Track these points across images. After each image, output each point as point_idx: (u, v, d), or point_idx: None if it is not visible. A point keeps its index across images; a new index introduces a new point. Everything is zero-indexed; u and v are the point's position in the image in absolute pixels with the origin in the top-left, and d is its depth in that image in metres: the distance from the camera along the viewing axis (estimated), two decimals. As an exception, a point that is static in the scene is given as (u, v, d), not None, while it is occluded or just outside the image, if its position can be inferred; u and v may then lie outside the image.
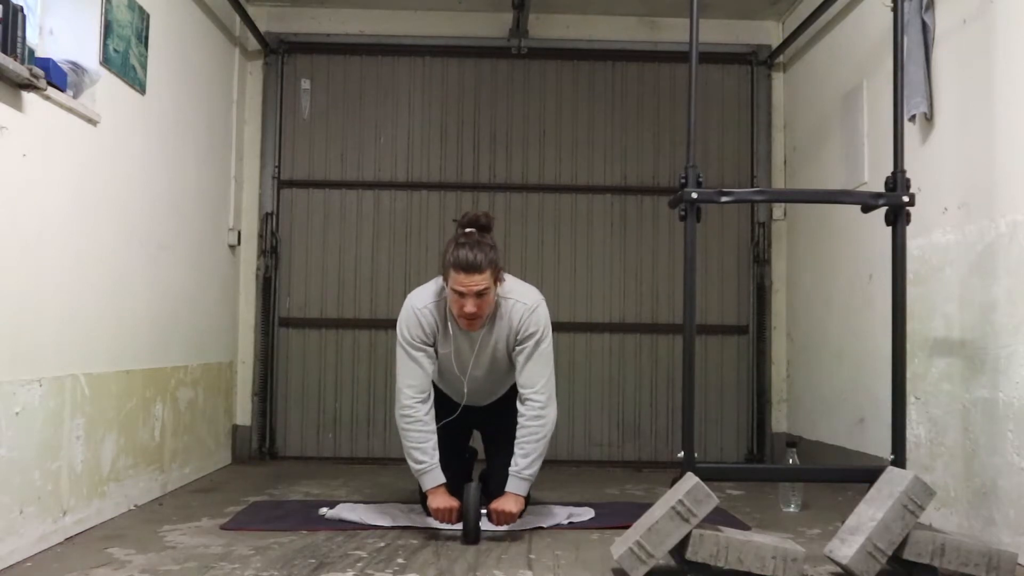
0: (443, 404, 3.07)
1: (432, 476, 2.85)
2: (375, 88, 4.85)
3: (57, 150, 2.73)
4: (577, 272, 4.82)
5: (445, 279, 2.79)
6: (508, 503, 2.81)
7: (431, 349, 2.91)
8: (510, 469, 2.83)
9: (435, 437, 2.88)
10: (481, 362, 2.96)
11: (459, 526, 2.78)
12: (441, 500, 2.83)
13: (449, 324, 2.89)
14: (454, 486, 2.89)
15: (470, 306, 2.73)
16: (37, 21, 2.96)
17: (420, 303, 2.89)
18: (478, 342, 2.91)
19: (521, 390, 2.89)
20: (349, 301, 4.78)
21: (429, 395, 2.90)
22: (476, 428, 3.33)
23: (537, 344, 2.86)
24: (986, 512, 2.79)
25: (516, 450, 2.84)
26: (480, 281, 2.70)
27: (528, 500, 2.93)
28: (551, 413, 2.87)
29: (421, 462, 2.85)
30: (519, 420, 2.86)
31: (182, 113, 3.80)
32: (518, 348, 2.89)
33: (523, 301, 2.88)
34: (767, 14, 4.84)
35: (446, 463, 2.89)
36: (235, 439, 4.58)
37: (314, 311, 4.78)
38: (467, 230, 2.82)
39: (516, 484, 2.83)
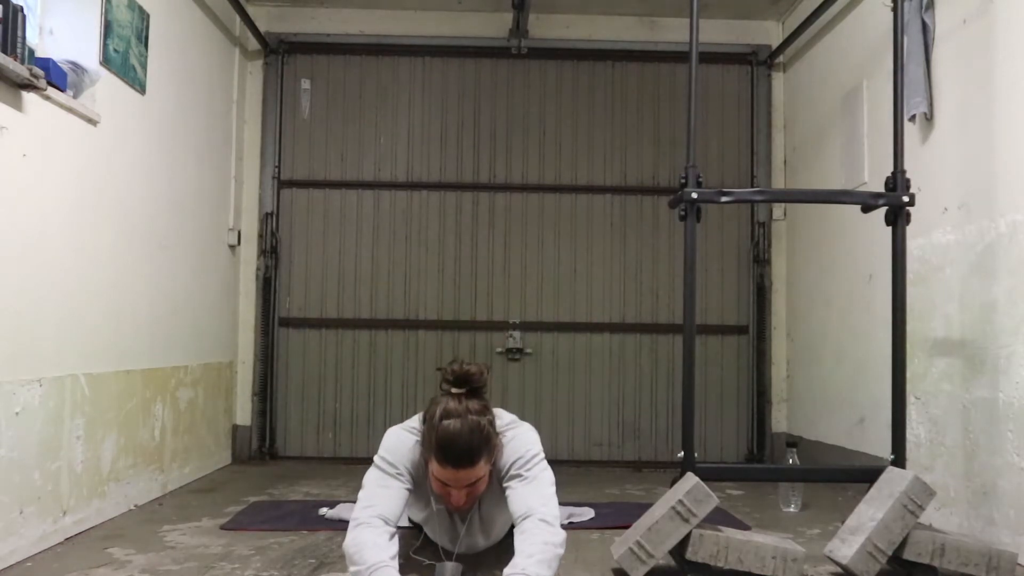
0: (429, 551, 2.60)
1: (385, 574, 2.05)
2: (375, 88, 4.86)
3: (57, 150, 2.73)
4: (577, 272, 4.82)
5: (426, 459, 2.21)
6: None
7: (411, 488, 2.26)
8: (506, 573, 2.03)
9: (396, 551, 2.13)
10: (473, 528, 2.47)
11: None
12: None
13: (432, 498, 2.34)
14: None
15: (459, 499, 2.21)
16: (37, 21, 2.96)
17: (412, 440, 2.28)
18: (467, 513, 2.42)
19: (516, 520, 2.18)
20: (349, 301, 4.78)
21: (396, 533, 2.19)
22: None
23: (526, 468, 2.23)
24: (986, 512, 2.79)
25: (516, 554, 2.08)
26: (472, 475, 2.16)
27: None
28: (559, 532, 2.14)
29: (368, 564, 2.04)
30: (518, 527, 2.15)
31: (182, 113, 3.80)
32: (506, 485, 2.25)
33: (503, 435, 2.28)
34: (767, 14, 4.84)
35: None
36: (235, 439, 4.58)
37: (314, 311, 4.78)
38: (454, 391, 2.23)
39: None
